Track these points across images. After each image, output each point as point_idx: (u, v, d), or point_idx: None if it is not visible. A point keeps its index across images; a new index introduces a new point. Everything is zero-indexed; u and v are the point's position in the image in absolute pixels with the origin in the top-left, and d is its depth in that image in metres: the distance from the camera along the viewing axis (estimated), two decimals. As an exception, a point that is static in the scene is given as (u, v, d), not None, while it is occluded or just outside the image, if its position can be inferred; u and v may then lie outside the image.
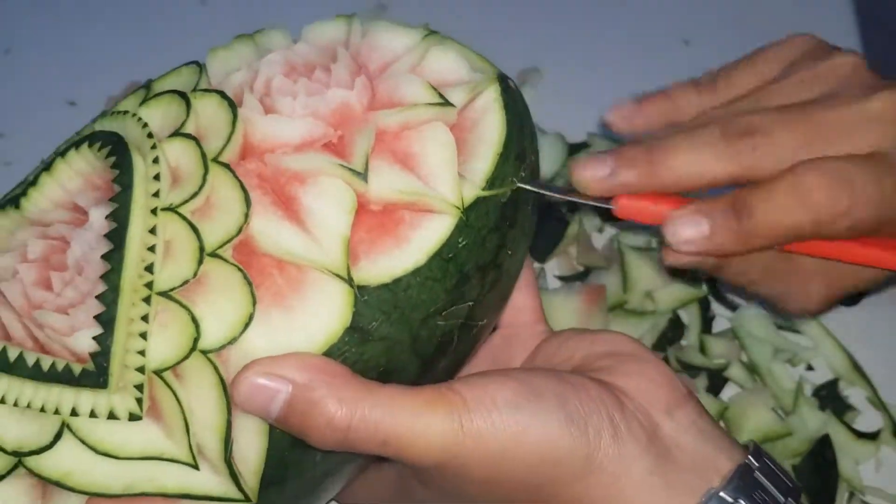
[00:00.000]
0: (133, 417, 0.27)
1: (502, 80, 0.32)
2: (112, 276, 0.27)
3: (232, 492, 0.28)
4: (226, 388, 0.27)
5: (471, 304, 0.30)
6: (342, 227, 0.28)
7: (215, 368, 0.27)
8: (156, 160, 0.28)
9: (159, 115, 0.30)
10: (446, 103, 0.30)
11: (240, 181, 0.28)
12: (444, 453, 0.27)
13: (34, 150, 0.35)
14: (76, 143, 0.31)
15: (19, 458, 0.27)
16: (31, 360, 0.27)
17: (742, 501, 0.28)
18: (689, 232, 0.32)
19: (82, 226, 0.29)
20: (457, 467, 0.28)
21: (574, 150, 0.52)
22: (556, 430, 0.28)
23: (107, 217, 0.28)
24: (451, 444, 0.27)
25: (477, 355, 0.36)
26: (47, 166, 0.31)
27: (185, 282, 0.27)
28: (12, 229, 0.30)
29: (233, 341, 0.27)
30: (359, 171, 0.28)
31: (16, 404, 0.27)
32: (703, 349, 0.46)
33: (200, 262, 0.27)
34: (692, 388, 0.43)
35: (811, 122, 0.33)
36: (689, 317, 0.47)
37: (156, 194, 0.28)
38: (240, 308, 0.27)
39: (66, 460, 0.27)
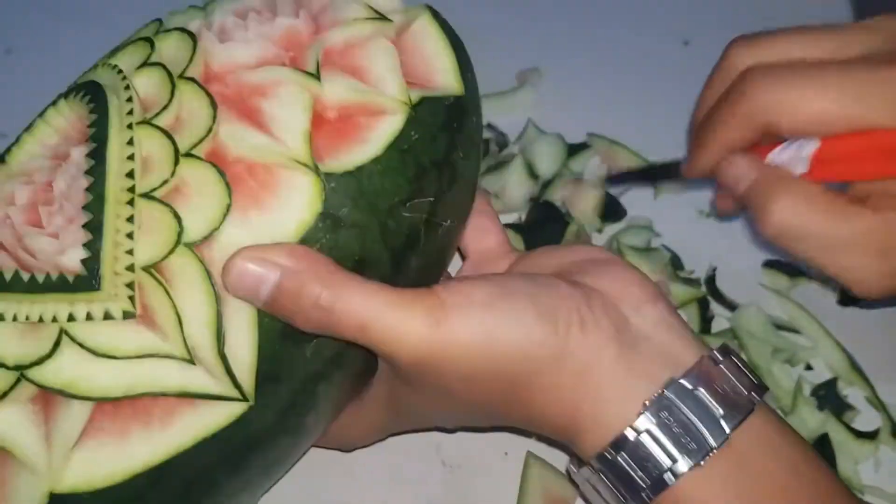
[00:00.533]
0: (128, 316, 0.28)
1: (432, 9, 0.36)
2: (96, 186, 0.29)
3: (229, 390, 0.29)
4: (213, 281, 0.29)
5: (431, 199, 0.33)
6: (302, 122, 0.30)
7: (201, 262, 0.29)
8: (126, 87, 0.31)
9: (126, 60, 0.33)
10: (384, 18, 0.33)
11: (204, 88, 0.30)
12: (420, 348, 0.29)
13: (36, 150, 0.35)
14: (54, 102, 0.33)
15: (21, 371, 0.28)
16: (26, 277, 0.29)
17: (701, 389, 0.29)
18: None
19: (62, 166, 0.31)
20: (435, 363, 0.29)
21: (573, 150, 0.53)
22: (527, 324, 0.29)
23: (87, 140, 0.30)
24: (428, 338, 0.29)
25: None
26: (28, 127, 0.33)
27: (164, 182, 0.29)
28: (3, 180, 0.32)
29: (214, 232, 0.29)
30: (312, 73, 0.31)
31: (14, 319, 0.28)
32: (702, 348, 0.46)
33: (176, 162, 0.29)
34: (665, 290, 0.45)
35: None
36: (689, 316, 0.47)
37: (129, 113, 0.30)
38: (217, 200, 0.29)
39: (67, 367, 0.28)
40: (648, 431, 0.29)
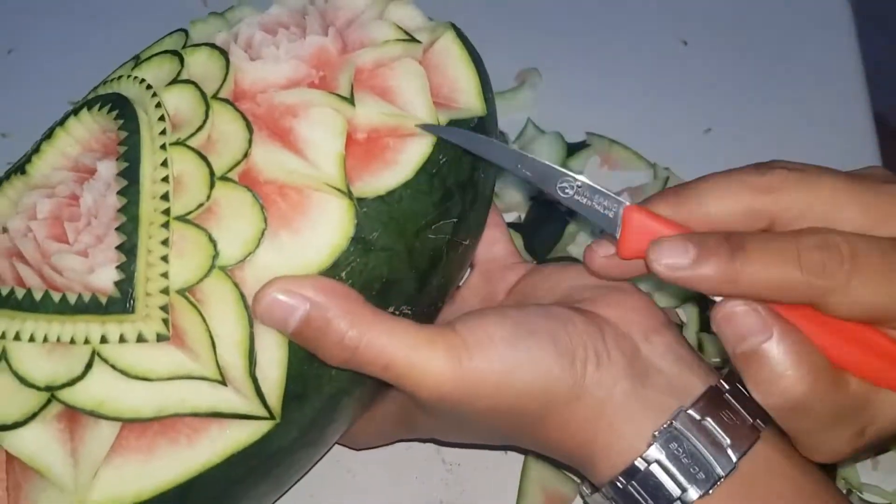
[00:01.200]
0: (161, 338, 0.28)
1: (455, 26, 0.36)
2: (130, 208, 0.29)
3: (258, 409, 0.29)
4: (246, 304, 0.29)
5: (455, 220, 0.33)
6: (337, 147, 0.30)
7: (235, 285, 0.29)
8: (157, 105, 0.30)
9: (153, 73, 0.32)
10: (413, 39, 0.33)
11: (240, 111, 0.30)
12: (442, 387, 0.30)
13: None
14: (75, 111, 0.33)
15: (52, 391, 0.28)
16: (56, 297, 0.28)
17: (709, 419, 0.30)
18: (675, 255, 0.29)
19: (88, 181, 0.31)
20: (455, 400, 0.30)
21: (573, 149, 0.53)
22: (546, 363, 0.30)
23: (117, 159, 0.30)
24: (449, 379, 0.29)
25: (462, 296, 0.39)
26: (49, 134, 0.33)
27: (200, 205, 0.29)
28: (20, 194, 0.32)
29: (249, 256, 0.29)
30: (346, 97, 0.31)
31: (45, 340, 0.28)
32: (701, 348, 0.46)
33: (212, 186, 0.29)
34: (673, 318, 0.45)
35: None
36: (688, 315, 0.47)
37: (162, 133, 0.30)
38: (253, 224, 0.29)
39: (98, 389, 0.28)
40: (658, 462, 0.30)
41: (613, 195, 0.32)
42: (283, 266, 0.30)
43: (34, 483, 0.29)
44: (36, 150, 0.32)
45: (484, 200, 0.36)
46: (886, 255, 0.29)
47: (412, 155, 0.32)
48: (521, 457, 0.42)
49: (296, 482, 0.36)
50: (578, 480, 0.34)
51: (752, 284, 0.29)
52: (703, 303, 0.47)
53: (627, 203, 0.31)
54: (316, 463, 0.37)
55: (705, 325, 0.47)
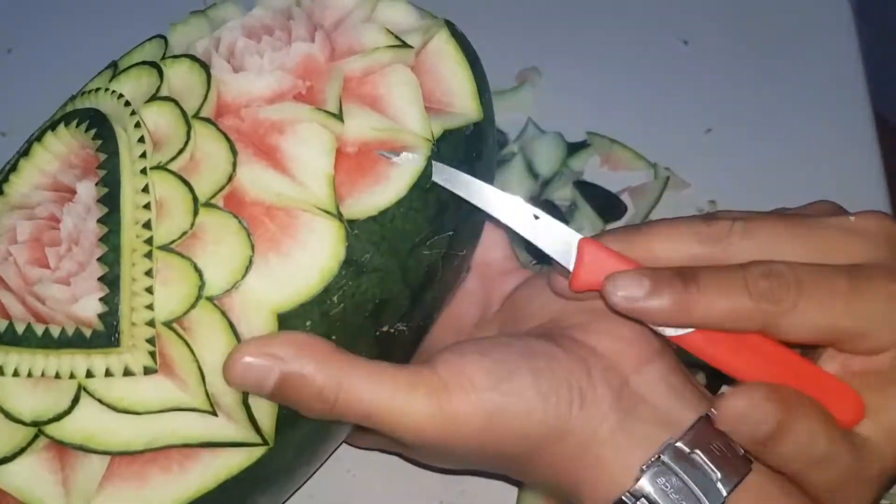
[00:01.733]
0: (148, 371, 0.27)
1: (449, 24, 0.34)
2: (111, 237, 0.28)
3: (251, 436, 0.29)
4: (235, 332, 0.28)
5: (451, 234, 0.32)
6: (326, 166, 0.29)
7: (223, 314, 0.28)
8: (137, 125, 0.29)
9: (131, 86, 0.31)
10: (404, 45, 0.32)
11: (223, 132, 0.29)
12: (424, 431, 0.29)
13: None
14: (51, 126, 0.31)
15: (39, 427, 0.27)
16: (39, 330, 0.28)
17: (698, 451, 0.29)
18: (630, 287, 0.30)
19: (68, 203, 0.30)
20: (435, 444, 0.30)
21: (573, 149, 0.53)
22: (528, 406, 0.29)
23: (97, 183, 0.29)
24: (431, 424, 0.29)
25: (459, 299, 0.38)
26: (25, 152, 0.31)
27: (184, 233, 0.28)
28: (1, 211, 0.31)
29: (236, 285, 0.28)
30: (334, 113, 0.30)
31: (29, 374, 0.28)
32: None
33: (195, 212, 0.28)
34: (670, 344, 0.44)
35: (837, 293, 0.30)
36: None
37: (142, 156, 0.29)
38: (239, 252, 0.28)
39: (86, 423, 0.28)
40: (646, 497, 0.29)
41: (568, 228, 0.32)
42: (272, 292, 0.29)
43: None
44: (13, 168, 0.31)
45: (479, 211, 0.35)
46: (828, 278, 0.30)
47: (404, 171, 0.30)
48: (521, 457, 0.42)
49: (290, 496, 0.36)
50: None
51: (705, 314, 0.30)
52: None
53: (580, 236, 0.31)
54: (309, 478, 0.36)
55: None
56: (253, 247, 0.28)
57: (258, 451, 0.29)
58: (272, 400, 0.29)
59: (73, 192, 0.30)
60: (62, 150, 0.31)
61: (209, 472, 0.29)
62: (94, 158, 0.30)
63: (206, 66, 0.30)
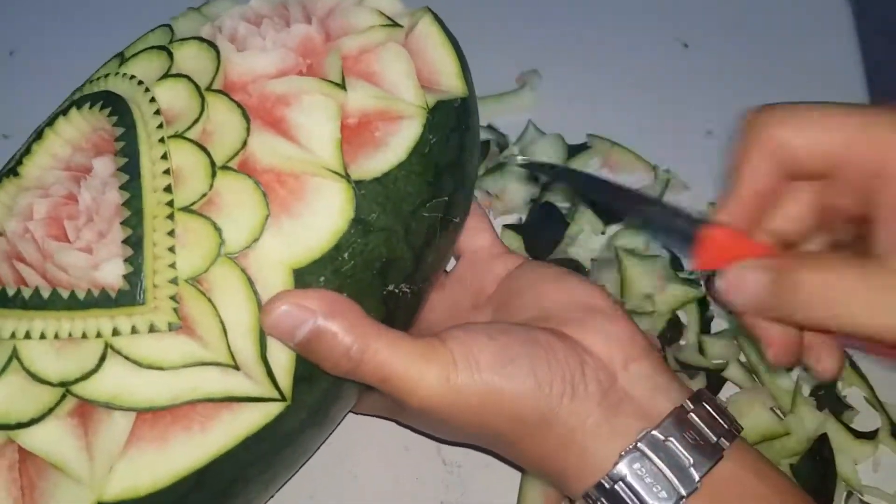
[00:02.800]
0: (173, 327, 0.29)
1: (431, 11, 0.36)
2: (133, 202, 0.29)
3: (270, 391, 0.30)
4: (254, 289, 0.30)
5: (447, 199, 0.34)
6: (332, 131, 0.31)
7: (242, 271, 0.29)
8: (152, 100, 0.31)
9: (142, 68, 0.33)
10: (395, 24, 0.34)
11: (235, 101, 0.31)
12: (430, 400, 0.31)
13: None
14: (63, 111, 0.32)
15: (66, 387, 0.28)
16: (65, 293, 0.29)
17: (672, 439, 0.32)
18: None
19: (84, 179, 0.31)
20: (440, 412, 0.32)
21: (573, 151, 0.53)
22: (525, 391, 0.32)
23: (115, 154, 0.30)
24: (437, 395, 0.31)
25: (451, 285, 0.40)
26: (38, 135, 0.32)
27: (203, 195, 0.29)
28: (13, 197, 0.32)
29: (254, 242, 0.30)
30: (336, 82, 0.32)
31: (56, 336, 0.28)
32: (701, 349, 0.46)
33: (213, 175, 0.30)
34: (655, 343, 0.45)
35: None
36: (688, 317, 0.47)
37: (159, 127, 0.30)
38: (256, 211, 0.30)
39: (113, 381, 0.28)
40: (623, 480, 0.32)
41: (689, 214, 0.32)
42: (287, 250, 0.30)
43: (49, 481, 0.29)
44: (26, 151, 0.32)
45: (470, 180, 0.37)
46: None
47: (404, 137, 0.33)
48: (522, 458, 0.42)
49: (301, 466, 0.37)
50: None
51: None
52: (703, 304, 0.47)
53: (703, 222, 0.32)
54: (320, 445, 0.37)
55: (705, 328, 0.47)
56: (268, 205, 0.30)
57: (276, 409, 0.30)
58: (298, 351, 0.31)
59: (88, 170, 0.31)
60: (74, 134, 0.32)
61: (230, 430, 0.30)
62: (108, 139, 0.31)
63: (214, 46, 0.32)
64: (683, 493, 0.31)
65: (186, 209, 0.29)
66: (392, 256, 0.33)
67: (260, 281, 0.30)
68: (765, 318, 0.32)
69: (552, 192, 0.51)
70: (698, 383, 0.45)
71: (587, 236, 0.50)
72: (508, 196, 0.50)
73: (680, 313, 0.47)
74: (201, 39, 0.32)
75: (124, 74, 0.32)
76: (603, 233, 0.51)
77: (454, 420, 0.32)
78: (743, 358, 0.46)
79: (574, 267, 0.48)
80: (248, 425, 0.30)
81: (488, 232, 0.41)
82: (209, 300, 0.29)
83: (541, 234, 0.50)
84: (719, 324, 0.48)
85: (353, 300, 0.31)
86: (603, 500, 0.32)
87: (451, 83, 0.35)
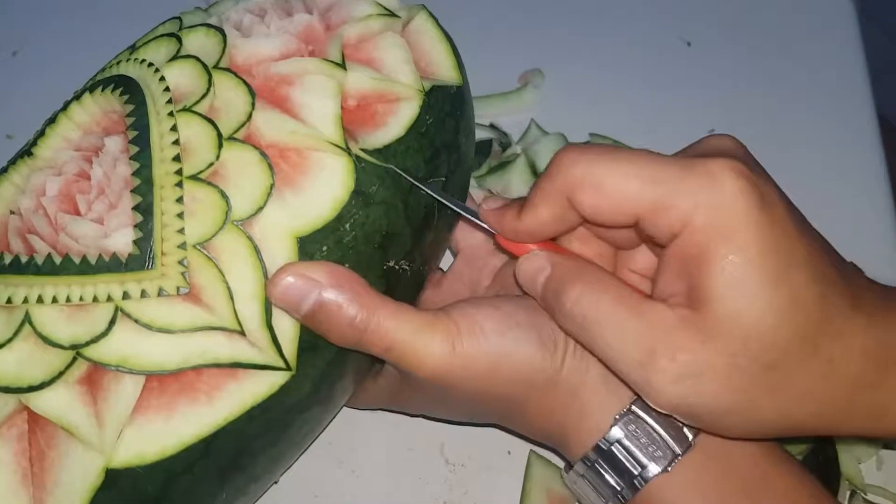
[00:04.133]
0: (181, 291, 0.29)
1: (426, 8, 0.38)
2: (143, 171, 0.30)
3: (275, 359, 0.31)
4: (260, 256, 0.31)
5: (443, 179, 0.36)
6: (333, 107, 0.32)
7: (248, 238, 0.30)
8: (161, 79, 0.32)
9: (152, 54, 0.34)
10: (393, 14, 0.36)
11: (241, 78, 0.32)
12: (437, 368, 0.32)
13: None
14: (77, 97, 0.34)
15: (77, 350, 0.29)
16: (77, 258, 0.29)
17: None
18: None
19: (96, 156, 0.32)
20: (447, 381, 0.33)
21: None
22: (530, 352, 0.33)
23: (127, 129, 0.31)
24: (444, 362, 0.32)
25: (448, 280, 0.42)
26: (52, 120, 0.34)
27: (210, 165, 0.31)
28: (26, 178, 0.33)
29: (260, 210, 0.31)
30: (338, 62, 0.33)
31: (68, 300, 0.29)
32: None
33: (220, 146, 0.31)
34: None
35: None
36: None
37: (168, 102, 0.31)
38: (261, 180, 0.31)
39: (122, 344, 0.29)
40: (619, 441, 0.33)
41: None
42: (291, 219, 0.31)
43: (59, 449, 0.30)
44: (41, 133, 0.33)
45: (465, 165, 0.38)
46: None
47: (402, 117, 0.34)
48: (525, 457, 0.42)
49: (307, 447, 0.38)
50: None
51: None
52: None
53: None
54: (325, 428, 0.38)
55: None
56: (273, 175, 0.31)
57: (281, 379, 0.31)
58: (304, 322, 0.31)
59: (99, 149, 0.32)
60: (86, 118, 0.34)
61: (235, 400, 0.30)
62: (118, 120, 0.33)
63: (220, 30, 0.33)
64: (678, 451, 0.32)
65: (194, 177, 0.30)
66: (392, 231, 0.34)
67: (265, 249, 0.31)
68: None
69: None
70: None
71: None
72: (511, 194, 0.51)
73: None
74: (209, 25, 0.34)
75: (135, 59, 0.34)
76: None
77: (461, 389, 0.33)
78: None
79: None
80: (254, 395, 0.31)
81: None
82: (216, 266, 0.30)
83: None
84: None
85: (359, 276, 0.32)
86: (601, 461, 0.33)
87: (447, 73, 0.37)
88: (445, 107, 0.36)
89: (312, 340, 0.32)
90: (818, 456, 0.43)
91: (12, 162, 0.34)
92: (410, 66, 0.35)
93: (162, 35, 0.34)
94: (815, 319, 0.28)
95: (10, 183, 0.33)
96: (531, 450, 0.43)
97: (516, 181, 0.51)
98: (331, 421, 0.39)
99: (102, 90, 0.33)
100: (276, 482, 0.38)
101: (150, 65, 0.33)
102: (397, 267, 0.35)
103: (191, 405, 0.30)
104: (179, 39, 0.34)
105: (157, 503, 0.31)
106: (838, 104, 0.44)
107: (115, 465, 0.29)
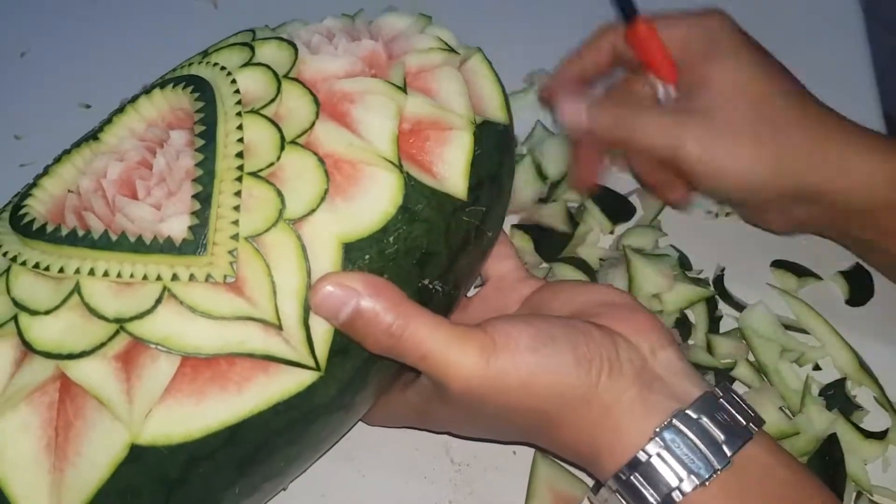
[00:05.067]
0: (227, 279, 0.31)
1: (481, 50, 0.41)
2: (206, 163, 0.32)
3: (306, 358, 0.32)
4: (306, 256, 0.32)
5: (484, 209, 0.37)
6: (391, 127, 0.34)
7: (297, 237, 0.32)
8: (233, 82, 0.34)
9: (224, 60, 0.36)
10: (453, 50, 0.38)
11: (308, 88, 0.34)
12: (471, 380, 0.33)
13: (50, 152, 0.36)
14: (146, 92, 0.36)
15: (121, 323, 0.30)
16: (132, 237, 0.31)
17: (704, 418, 0.33)
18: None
19: (160, 148, 0.33)
20: (479, 393, 0.33)
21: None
22: (565, 369, 0.33)
23: (195, 123, 0.33)
24: (477, 375, 0.33)
25: (474, 304, 0.42)
26: (120, 110, 0.35)
27: (270, 164, 0.32)
28: (90, 158, 0.34)
29: (312, 212, 0.32)
30: (399, 85, 0.35)
31: (119, 276, 0.30)
32: (710, 349, 0.46)
33: (282, 148, 0.32)
34: (676, 337, 0.47)
35: None
36: (696, 316, 0.48)
37: (238, 103, 0.33)
38: (316, 184, 0.32)
39: (165, 323, 0.30)
40: (659, 454, 0.33)
41: None
42: (339, 226, 0.32)
43: (86, 420, 0.30)
44: (107, 121, 0.35)
45: (504, 197, 0.40)
46: None
47: (457, 146, 0.36)
48: (530, 457, 0.43)
49: (324, 452, 0.38)
50: (590, 485, 0.35)
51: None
52: (711, 303, 0.47)
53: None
54: (342, 437, 0.39)
55: (714, 327, 0.47)
56: (328, 181, 0.32)
57: (310, 378, 0.32)
58: (342, 329, 0.32)
59: (164, 141, 0.34)
60: (154, 113, 0.35)
61: (264, 393, 0.31)
62: (184, 118, 0.34)
63: (293, 44, 0.35)
64: (718, 466, 0.32)
65: (254, 174, 0.32)
66: (431, 250, 0.35)
67: (311, 251, 0.32)
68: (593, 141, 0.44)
69: (561, 191, 0.51)
70: (707, 383, 0.45)
71: (596, 236, 0.50)
72: (516, 195, 0.51)
73: (688, 312, 0.48)
74: (280, 38, 0.36)
75: (208, 62, 0.35)
76: (611, 232, 0.51)
77: (493, 403, 0.33)
78: (752, 357, 0.46)
79: (583, 267, 0.48)
80: (282, 390, 0.32)
81: (513, 259, 0.43)
82: (264, 260, 0.31)
83: (550, 235, 0.50)
84: (728, 323, 0.48)
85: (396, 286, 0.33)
86: (637, 474, 0.33)
87: (496, 112, 0.39)
88: (493, 141, 0.37)
89: (344, 344, 0.33)
90: (824, 457, 0.43)
91: (76, 145, 0.35)
92: (465, 99, 0.36)
93: (235, 44, 0.36)
94: (799, 90, 0.43)
95: (71, 164, 0.34)
96: (536, 449, 0.43)
97: (522, 182, 0.51)
98: (348, 431, 0.39)
99: (173, 87, 0.34)
100: (284, 489, 0.38)
101: (223, 68, 0.35)
102: (431, 286, 0.36)
103: (220, 393, 0.31)
104: (252, 49, 0.35)
105: (177, 486, 0.31)
106: (844, 103, 0.44)
107: (141, 441, 0.30)
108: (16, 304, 0.31)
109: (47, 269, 0.31)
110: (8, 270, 0.32)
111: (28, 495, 0.30)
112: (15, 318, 0.30)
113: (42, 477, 0.30)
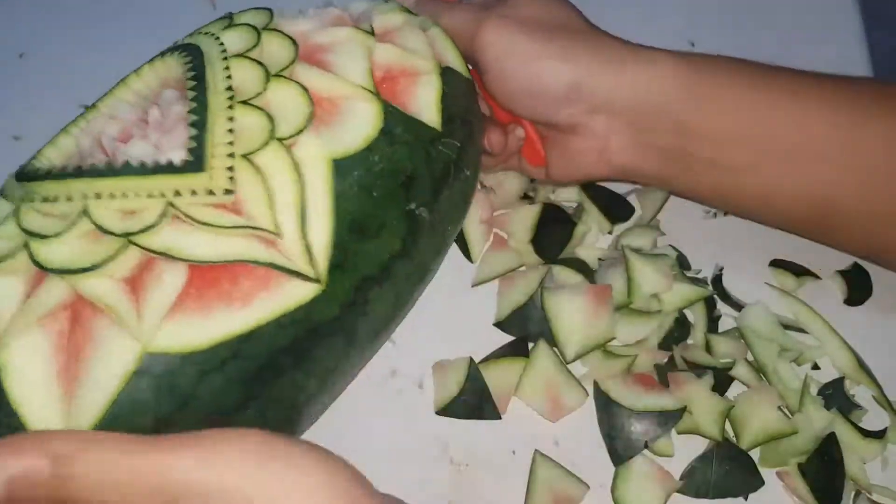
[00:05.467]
0: (227, 192, 0.33)
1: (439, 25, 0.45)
2: (199, 98, 0.34)
3: (305, 267, 0.34)
4: (299, 171, 0.34)
5: (458, 145, 0.40)
6: (364, 64, 0.38)
7: (289, 153, 0.34)
8: (216, 38, 0.37)
9: (208, 29, 0.39)
10: (414, 14, 0.43)
11: (287, 35, 0.37)
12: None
13: (49, 151, 0.35)
14: (136, 71, 0.38)
15: (129, 237, 0.32)
16: (136, 163, 0.33)
17: None
18: None
19: (153, 106, 0.36)
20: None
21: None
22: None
23: (185, 71, 0.36)
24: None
25: None
26: (115, 87, 0.38)
27: (258, 94, 0.35)
28: (88, 121, 0.36)
29: (300, 131, 0.35)
30: (368, 31, 0.39)
31: (124, 196, 0.32)
32: (708, 348, 0.46)
33: (267, 80, 0.36)
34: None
35: None
36: (695, 316, 0.47)
37: (223, 52, 0.37)
38: (302, 107, 0.35)
39: (170, 235, 0.32)
40: None
41: None
42: (326, 147, 0.35)
43: (96, 342, 0.31)
44: (107, 93, 0.37)
45: (477, 142, 0.43)
46: None
47: (427, 93, 0.39)
48: (530, 457, 0.42)
49: (335, 395, 0.39)
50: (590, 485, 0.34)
51: None
52: (710, 302, 0.47)
53: None
54: (351, 380, 0.40)
55: (713, 326, 0.47)
56: (312, 104, 0.35)
57: (310, 292, 0.34)
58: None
59: (157, 99, 0.36)
60: (141, 87, 0.38)
61: (267, 306, 0.33)
62: (177, 83, 0.37)
63: (269, 9, 0.40)
64: None
65: (244, 102, 0.35)
66: (414, 173, 0.38)
67: (303, 167, 0.34)
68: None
69: (558, 192, 0.51)
70: (706, 382, 0.45)
71: (594, 236, 0.50)
72: (503, 190, 0.51)
73: (687, 312, 0.48)
74: (257, 8, 0.40)
75: (197, 32, 0.39)
76: (610, 232, 0.51)
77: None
78: (750, 357, 0.46)
79: (582, 267, 0.48)
80: (285, 304, 0.33)
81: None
82: (260, 175, 0.33)
83: (549, 235, 0.50)
84: (727, 322, 0.48)
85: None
86: None
87: (459, 67, 0.43)
88: (459, 85, 0.41)
89: (342, 259, 0.35)
90: (823, 456, 0.43)
91: (74, 120, 0.37)
92: (429, 50, 0.40)
93: (213, 22, 0.40)
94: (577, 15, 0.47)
95: (68, 134, 0.36)
96: (536, 449, 0.43)
97: (509, 177, 0.51)
98: (352, 379, 0.40)
99: (162, 56, 0.37)
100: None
101: (208, 33, 0.38)
102: (418, 212, 0.38)
103: (226, 308, 0.32)
104: (231, 19, 0.39)
105: (188, 400, 0.32)
106: (843, 103, 0.44)
107: (152, 349, 0.31)
108: (27, 233, 0.32)
109: (55, 199, 0.32)
110: (17, 210, 0.33)
111: (41, 416, 0.31)
112: (26, 246, 0.32)
113: (54, 398, 0.31)
